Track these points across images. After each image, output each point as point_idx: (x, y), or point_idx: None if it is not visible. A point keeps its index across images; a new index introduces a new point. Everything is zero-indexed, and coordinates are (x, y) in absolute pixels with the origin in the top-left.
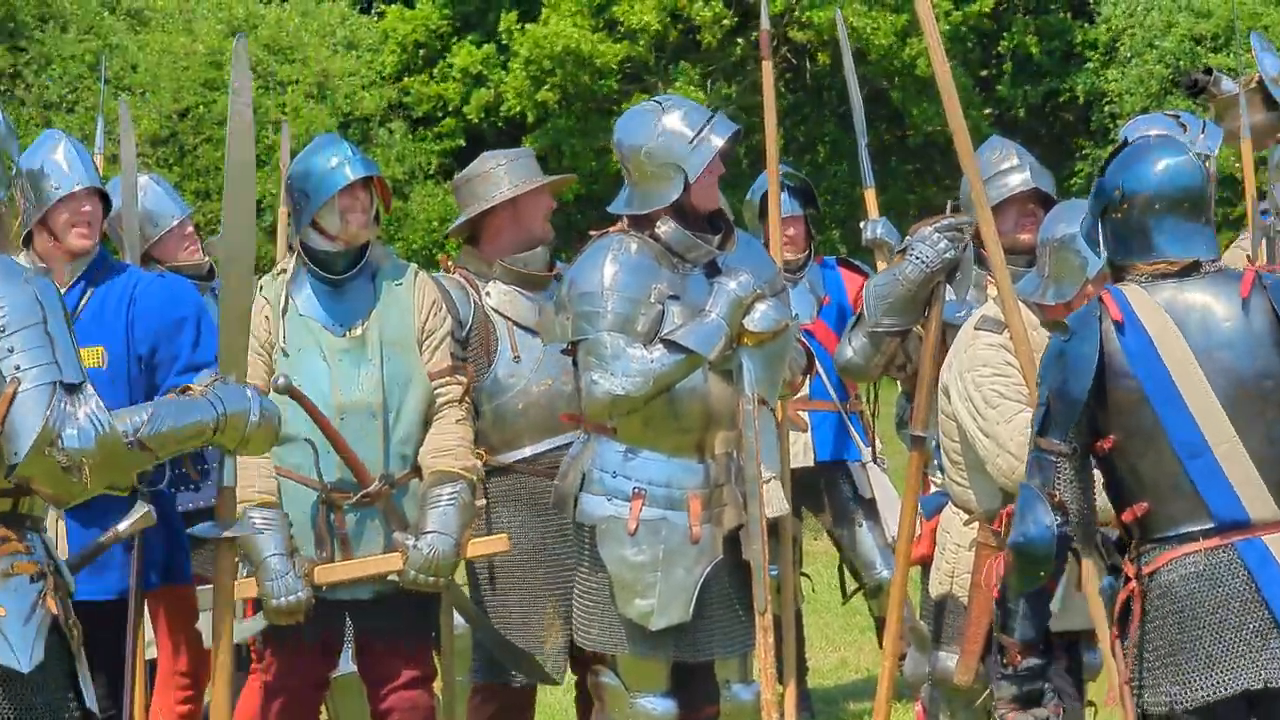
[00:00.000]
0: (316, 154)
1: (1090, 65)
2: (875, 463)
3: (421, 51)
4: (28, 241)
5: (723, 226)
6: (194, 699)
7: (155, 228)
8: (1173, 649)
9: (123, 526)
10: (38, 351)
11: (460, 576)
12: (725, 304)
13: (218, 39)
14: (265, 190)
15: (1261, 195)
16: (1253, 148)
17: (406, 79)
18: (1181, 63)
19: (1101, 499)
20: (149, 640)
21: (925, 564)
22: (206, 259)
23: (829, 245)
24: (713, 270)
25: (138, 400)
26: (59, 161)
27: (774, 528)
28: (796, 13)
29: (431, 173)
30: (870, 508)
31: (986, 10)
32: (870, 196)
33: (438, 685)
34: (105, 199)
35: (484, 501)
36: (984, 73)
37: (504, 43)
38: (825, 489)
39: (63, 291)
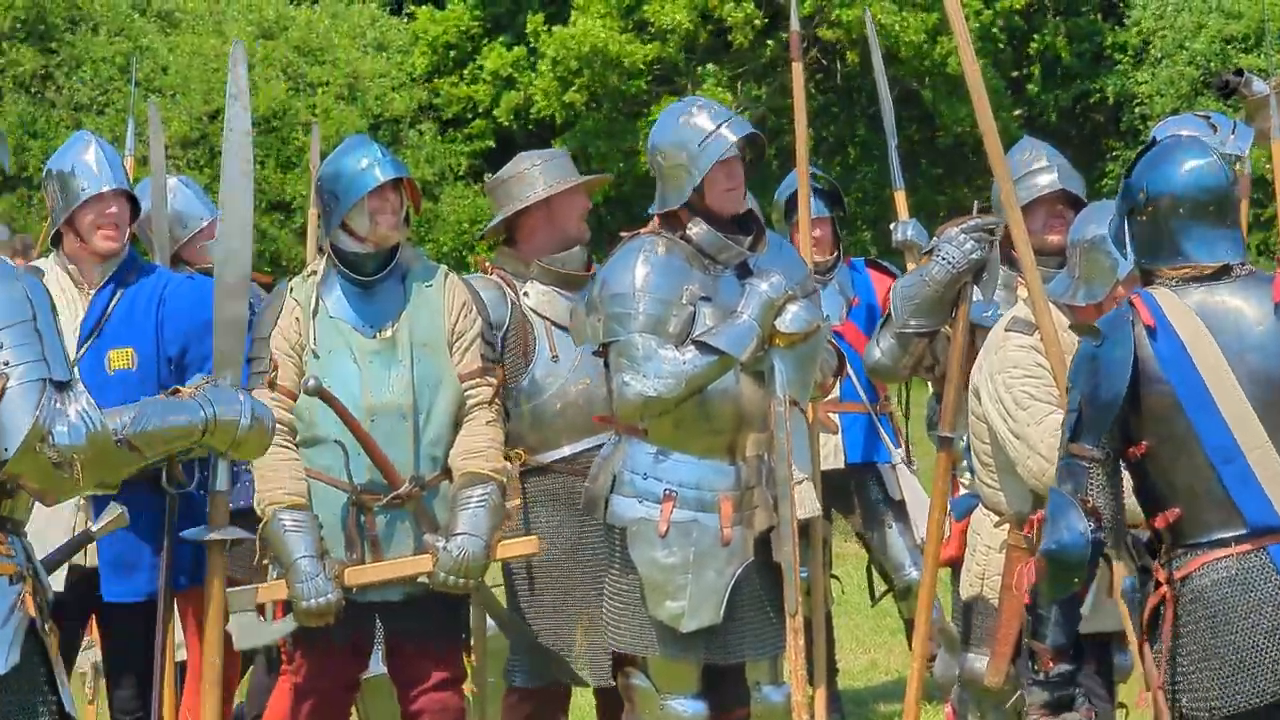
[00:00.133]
0: (346, 155)
1: (1120, 67)
2: (905, 464)
3: (452, 53)
4: (57, 242)
5: (754, 228)
6: (223, 699)
7: (184, 229)
8: (1206, 654)
9: (95, 528)
10: (26, 348)
11: (496, 576)
12: (757, 305)
13: (248, 41)
14: (296, 192)
15: None
16: None
17: (437, 80)
18: (1212, 64)
19: (1129, 500)
20: (179, 642)
21: (954, 565)
22: None
23: (859, 246)
24: (744, 271)
25: None
26: (87, 163)
27: (804, 530)
28: (826, 11)
29: (461, 174)
30: (900, 509)
31: (1018, 7)
32: (900, 198)
33: (468, 686)
34: (133, 201)
35: (518, 501)
36: (1015, 74)
37: (532, 45)
38: (855, 491)
39: (92, 293)
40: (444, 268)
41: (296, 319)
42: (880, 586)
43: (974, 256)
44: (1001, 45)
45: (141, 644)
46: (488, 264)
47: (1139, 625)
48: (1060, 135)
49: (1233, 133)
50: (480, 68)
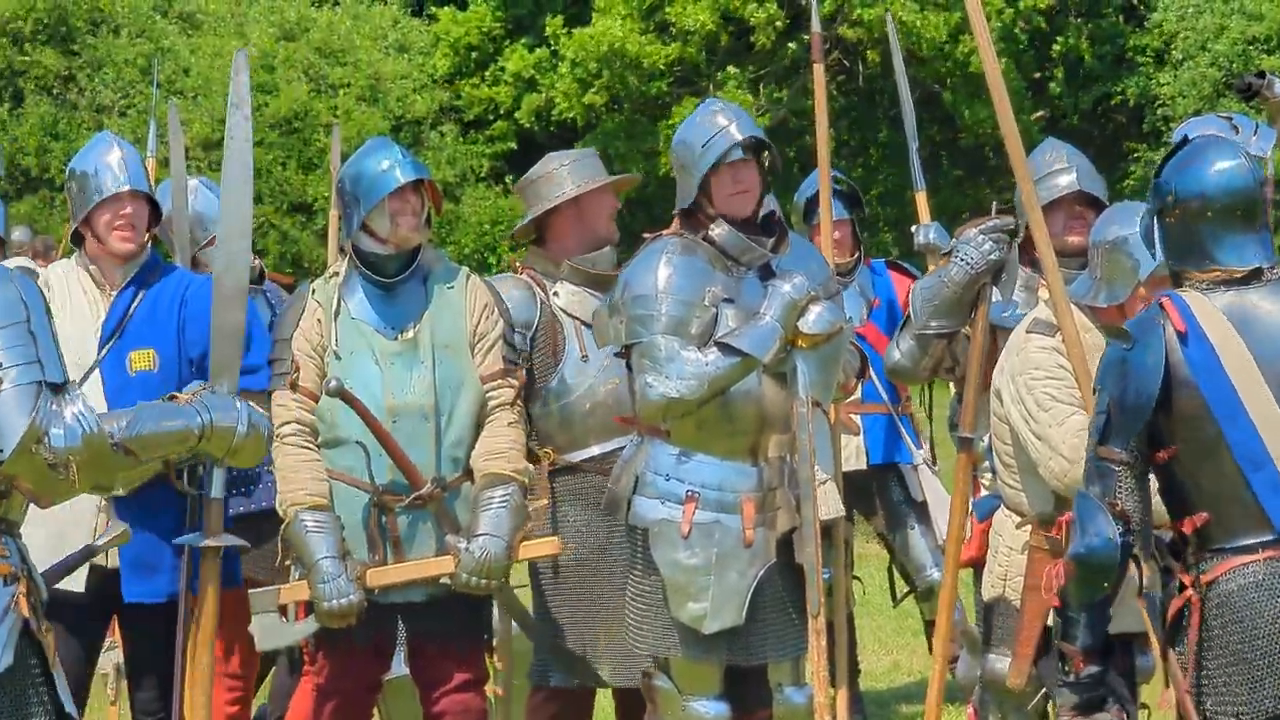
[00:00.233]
0: (367, 157)
1: (1142, 68)
2: (928, 465)
3: (473, 54)
4: (79, 242)
5: (776, 229)
6: (244, 700)
7: (205, 231)
8: (1232, 659)
9: (99, 542)
10: (20, 350)
11: (523, 576)
12: (780, 306)
13: (270, 42)
14: (317, 193)
15: None
16: None
17: (458, 82)
18: (1234, 65)
19: (1154, 501)
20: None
21: (976, 566)
22: (257, 262)
23: (881, 248)
24: (766, 273)
25: None
26: (105, 163)
27: (827, 531)
28: (847, 10)
29: (483, 176)
30: (922, 510)
31: (1041, 7)
32: (921, 199)
33: (490, 688)
34: (153, 203)
35: (545, 500)
36: (1036, 75)
37: (553, 47)
38: (877, 492)
39: (114, 295)
40: (466, 269)
41: (318, 320)
42: (902, 588)
43: (992, 257)
44: (1023, 46)
45: (163, 644)
46: (518, 264)
47: (1160, 627)
48: (1082, 137)
49: (1255, 134)
50: (502, 69)
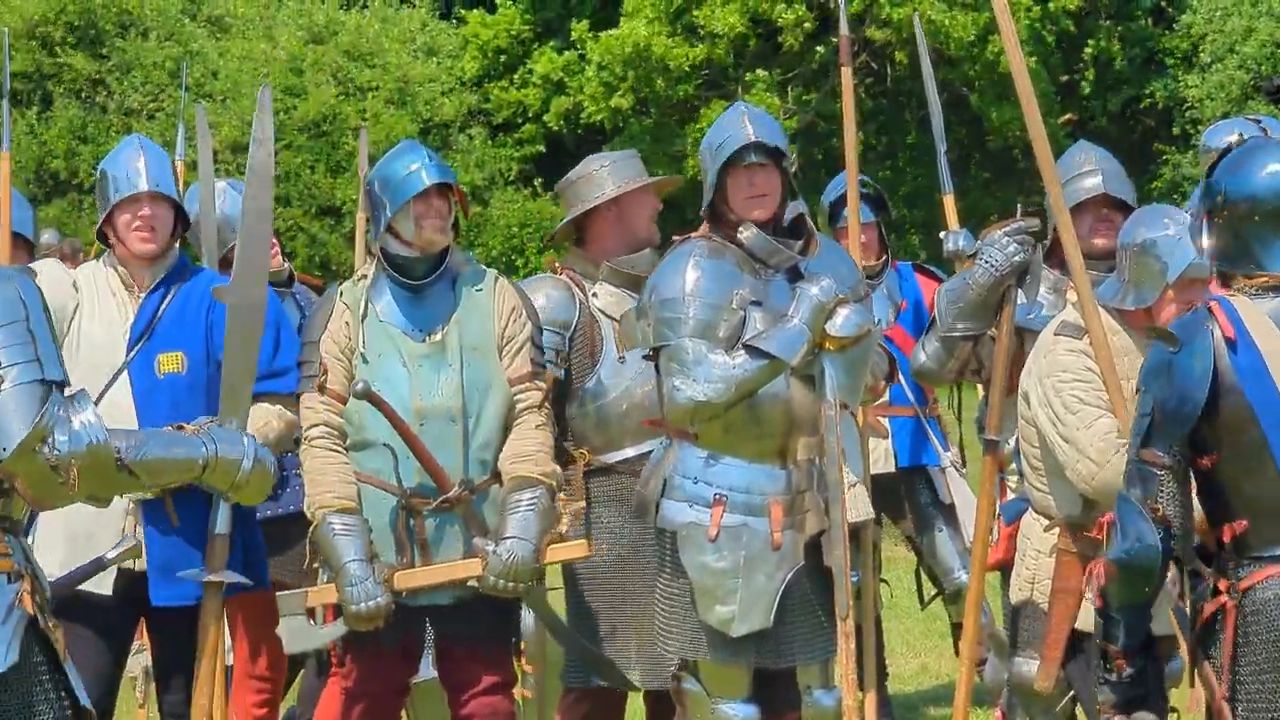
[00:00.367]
0: (394, 160)
1: (1170, 71)
2: (956, 467)
3: (502, 58)
4: (108, 242)
5: (805, 232)
6: (271, 702)
7: (233, 232)
8: (1269, 666)
9: (109, 556)
10: (20, 349)
11: (556, 578)
12: (808, 309)
13: (298, 45)
14: (345, 196)
15: None
16: None
17: (487, 85)
18: (1262, 68)
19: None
20: (227, 646)
21: (1003, 569)
22: (286, 265)
23: (909, 251)
24: (795, 276)
25: (217, 406)
26: (127, 165)
27: (855, 533)
28: (875, 10)
29: (511, 179)
30: (950, 513)
31: (1070, 8)
32: (949, 202)
33: (519, 690)
34: (177, 207)
35: (583, 503)
36: (1064, 78)
37: (581, 51)
38: (905, 495)
39: (142, 297)
40: (494, 272)
41: (346, 323)
42: (929, 590)
43: (1016, 259)
44: (1051, 48)
45: (190, 648)
46: (557, 264)
47: (1189, 630)
48: (1110, 139)
49: None
50: (530, 72)
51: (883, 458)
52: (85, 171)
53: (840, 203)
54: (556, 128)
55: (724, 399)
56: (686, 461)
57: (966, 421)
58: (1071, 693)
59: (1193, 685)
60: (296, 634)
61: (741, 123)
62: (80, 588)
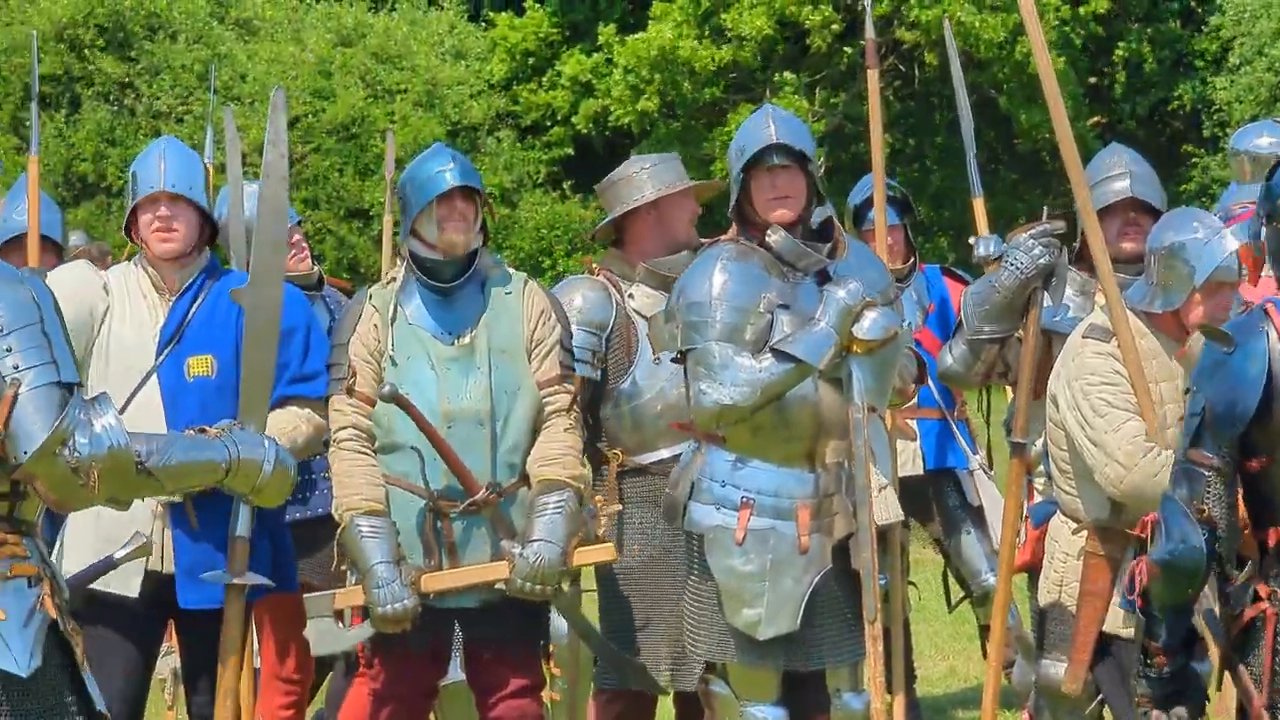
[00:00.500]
0: (422, 163)
1: (1199, 73)
2: (983, 469)
3: (530, 60)
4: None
5: (833, 235)
6: (298, 704)
7: None
8: None
9: (118, 555)
10: (36, 351)
11: (589, 580)
12: (834, 312)
13: (327, 48)
14: (374, 199)
15: None
16: None
17: (515, 87)
18: None
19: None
20: (255, 649)
21: (1030, 571)
22: (316, 268)
23: (937, 253)
24: (824, 279)
25: None
26: (149, 165)
27: (883, 536)
28: (904, 12)
29: (539, 181)
30: (978, 515)
31: (1101, 10)
32: (979, 205)
33: (547, 694)
34: (198, 207)
35: (619, 506)
36: (1092, 80)
37: (609, 56)
38: (934, 497)
39: (172, 300)
40: (523, 275)
41: (375, 325)
42: (957, 593)
43: (1042, 262)
44: (1079, 50)
45: (218, 650)
46: (595, 265)
47: (1223, 633)
48: (1139, 142)
49: None
50: (559, 74)
51: (911, 460)
52: (113, 174)
53: (866, 205)
54: (585, 130)
55: (750, 402)
56: (714, 464)
57: (994, 424)
58: (1100, 696)
59: (1219, 688)
60: (324, 636)
61: (766, 124)
62: (107, 590)
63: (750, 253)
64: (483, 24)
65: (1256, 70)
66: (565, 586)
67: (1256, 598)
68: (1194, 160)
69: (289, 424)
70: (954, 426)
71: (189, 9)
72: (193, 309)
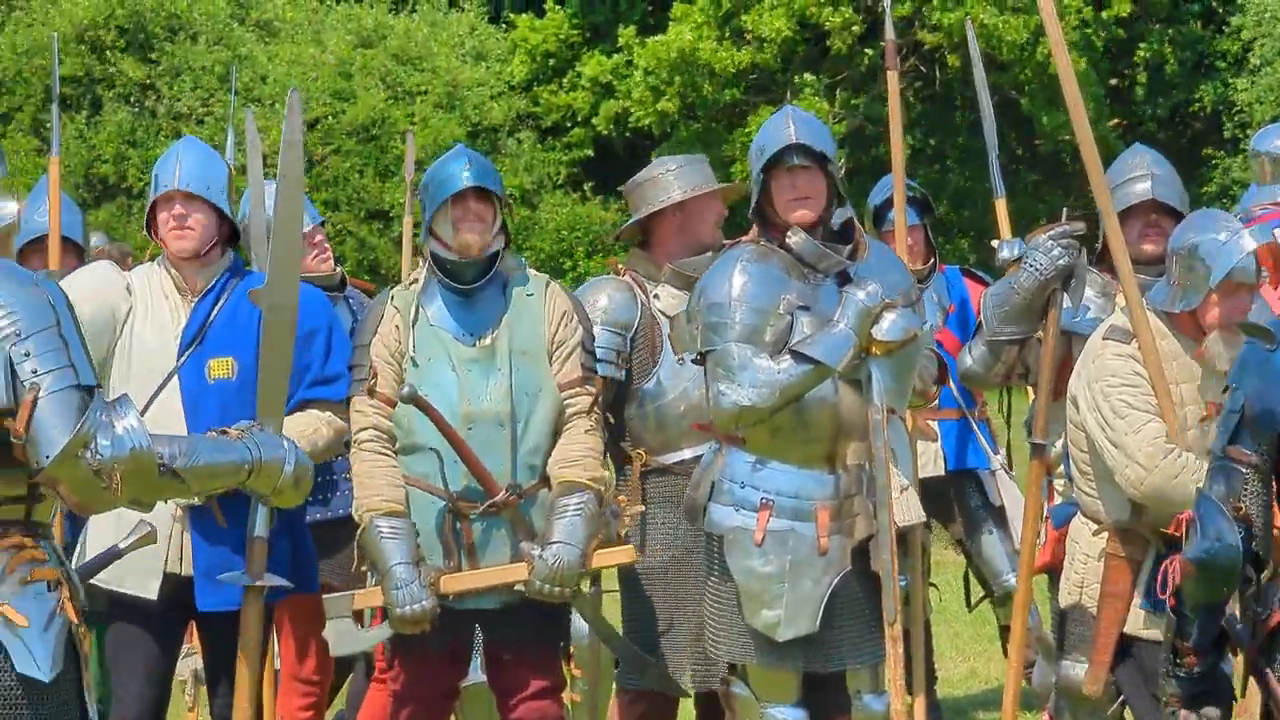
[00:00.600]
0: (442, 163)
1: (1220, 75)
2: (1004, 470)
3: (551, 61)
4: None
5: (854, 237)
6: (317, 705)
7: None
8: None
9: (123, 544)
10: (53, 355)
11: (613, 580)
12: (853, 314)
13: (347, 49)
14: (394, 200)
15: None
16: None
17: (535, 89)
18: None
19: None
20: (276, 650)
21: (1050, 572)
22: (338, 269)
23: (958, 254)
24: (844, 280)
25: None
26: (168, 165)
27: (903, 538)
28: (925, 14)
29: (560, 182)
30: (1000, 515)
31: (1123, 14)
32: (1001, 206)
33: (568, 695)
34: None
35: (643, 507)
36: (1113, 82)
37: (629, 58)
38: (955, 498)
39: (195, 301)
40: (545, 277)
41: (396, 326)
42: (978, 593)
43: (1061, 263)
44: (1100, 51)
45: (238, 652)
46: (620, 265)
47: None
48: (1160, 143)
49: None
50: (579, 75)
51: (932, 461)
52: (134, 176)
53: (886, 206)
54: (605, 131)
55: (768, 404)
56: (734, 466)
57: (1015, 425)
58: (1121, 697)
59: (1244, 694)
60: (343, 636)
61: (786, 125)
62: (125, 591)
63: (770, 254)
64: (503, 25)
65: (1278, 71)
66: (585, 588)
67: None
68: (1215, 162)
69: (309, 427)
70: (975, 427)
71: (210, 10)
72: (214, 311)
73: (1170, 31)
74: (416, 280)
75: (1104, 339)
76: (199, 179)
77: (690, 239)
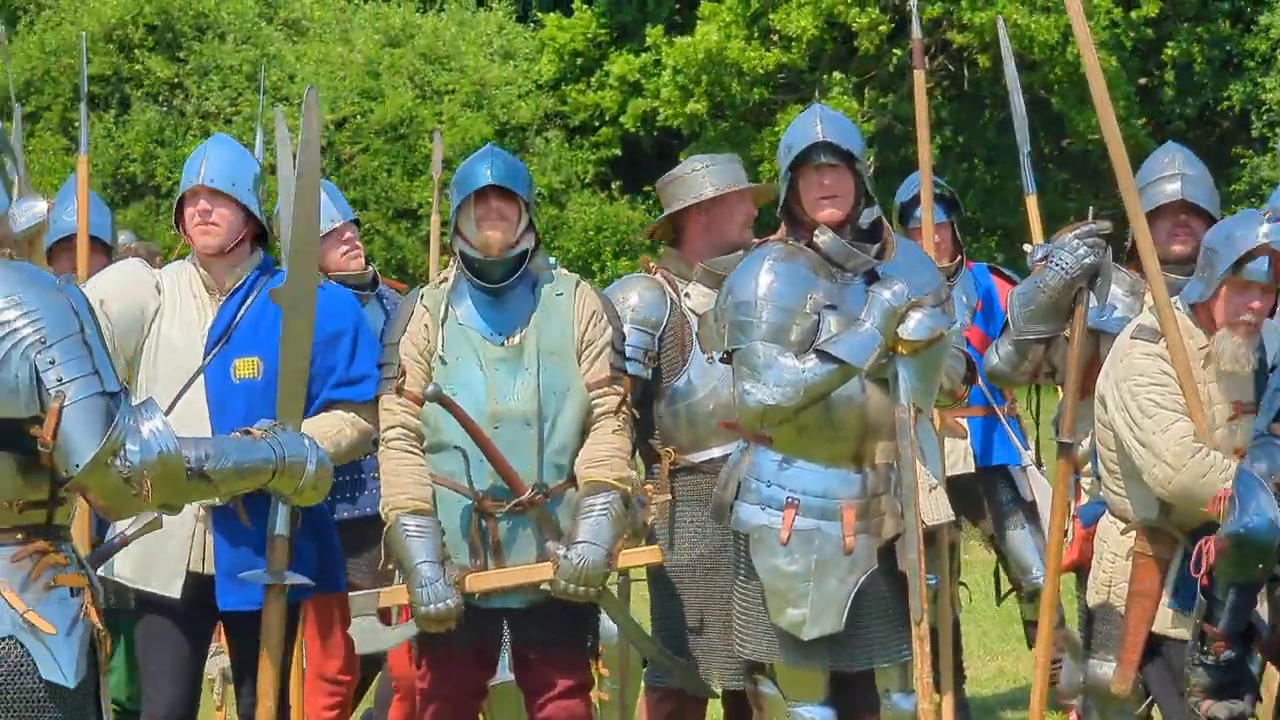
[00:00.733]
0: (469, 163)
1: (1249, 74)
2: (1035, 466)
3: (579, 61)
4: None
5: (882, 236)
6: (343, 704)
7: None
8: None
9: (130, 532)
10: (77, 363)
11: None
12: (879, 313)
13: (375, 48)
14: (422, 198)
15: None
16: None
17: (563, 88)
18: None
19: None
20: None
21: (1078, 571)
22: (370, 267)
23: (985, 253)
24: (872, 280)
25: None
26: (195, 161)
27: (931, 536)
28: (954, 15)
29: (588, 181)
30: (1031, 510)
31: (1151, 14)
32: (1032, 203)
33: (596, 694)
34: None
35: (669, 496)
36: (1142, 80)
37: (657, 57)
38: (985, 494)
39: (222, 300)
40: (575, 276)
41: (425, 325)
42: (1007, 587)
43: (1087, 262)
44: (1129, 51)
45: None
46: (652, 264)
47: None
48: (1189, 142)
49: None
50: (607, 74)
51: (961, 458)
52: (162, 175)
53: (912, 203)
54: (633, 130)
55: (792, 403)
56: (761, 465)
57: (1043, 423)
58: (1150, 697)
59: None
60: (367, 635)
61: (813, 123)
62: (149, 590)
63: (798, 253)
64: (531, 24)
65: None
66: (614, 588)
67: None
68: (1243, 160)
69: (333, 427)
70: (1005, 423)
71: (237, 9)
72: (241, 310)
73: (1199, 30)
74: (446, 279)
75: (1132, 338)
76: (225, 176)
77: (718, 238)
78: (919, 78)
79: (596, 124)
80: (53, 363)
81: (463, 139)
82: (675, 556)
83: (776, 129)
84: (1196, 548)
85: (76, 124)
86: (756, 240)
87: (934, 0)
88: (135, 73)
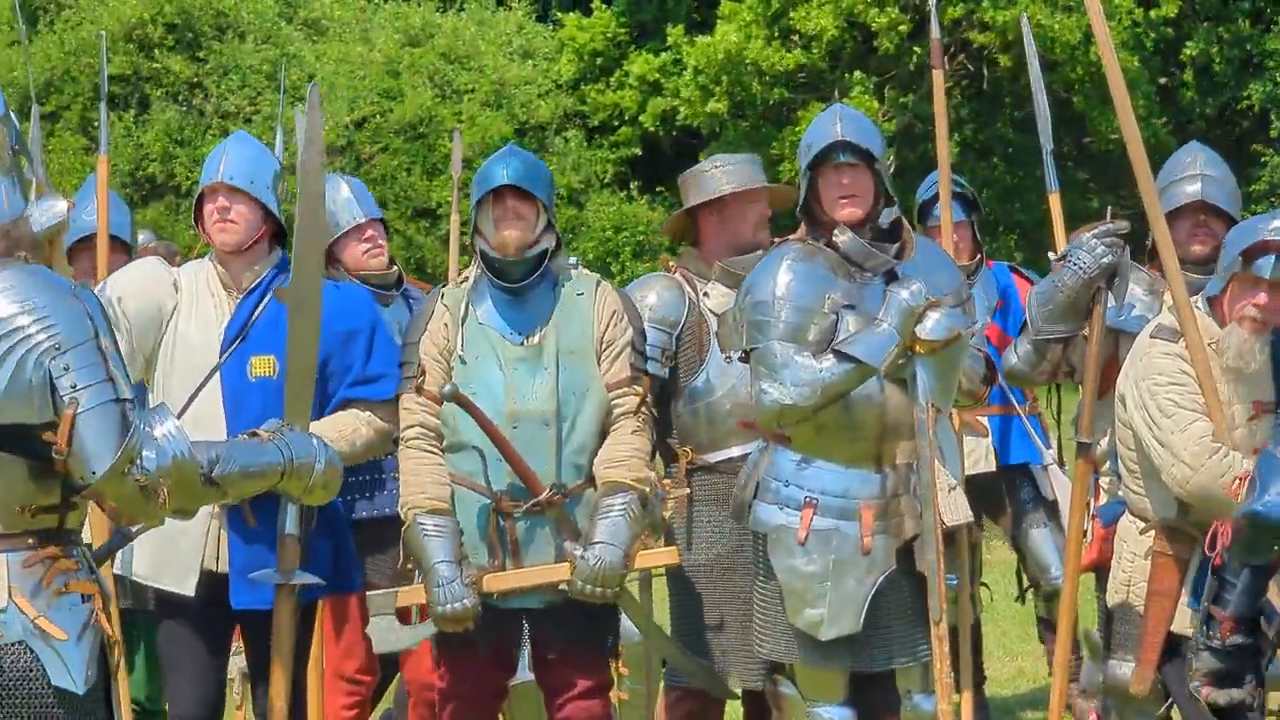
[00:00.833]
0: (489, 162)
1: (1269, 73)
2: (1056, 464)
3: (598, 60)
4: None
5: (902, 236)
6: (361, 704)
7: (335, 227)
8: None
9: (133, 528)
10: (91, 370)
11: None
12: (897, 313)
13: (395, 48)
14: (441, 198)
15: None
16: None
17: (583, 87)
18: None
19: None
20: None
21: (1097, 570)
22: (395, 266)
23: (1005, 252)
24: (892, 279)
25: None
26: (214, 159)
27: (951, 537)
28: (976, 14)
29: (607, 181)
30: (1052, 509)
31: (1171, 14)
32: (1055, 201)
33: (615, 693)
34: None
35: (688, 490)
36: (1163, 80)
37: (676, 57)
38: (1006, 493)
39: (240, 297)
40: (596, 276)
41: (445, 325)
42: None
43: (1105, 261)
44: (1150, 49)
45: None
46: (671, 263)
47: None
48: (1209, 142)
49: None
50: (626, 74)
51: (983, 457)
52: (182, 175)
53: (931, 201)
54: (652, 129)
55: (810, 403)
56: (779, 464)
57: (1064, 423)
58: (1169, 698)
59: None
60: (384, 634)
61: (833, 122)
62: (164, 589)
63: (817, 252)
64: (550, 24)
65: None
66: (635, 589)
67: None
68: (1263, 160)
69: (349, 426)
70: (1026, 421)
71: (257, 9)
72: (259, 308)
73: (1219, 30)
74: (468, 279)
75: (1151, 337)
76: (244, 173)
77: (730, 237)
78: (937, 77)
79: (616, 124)
80: (66, 369)
81: (482, 138)
82: (693, 556)
83: (797, 128)
84: (1212, 528)
85: (96, 123)
86: (776, 240)
87: (955, 1)
88: (155, 72)
